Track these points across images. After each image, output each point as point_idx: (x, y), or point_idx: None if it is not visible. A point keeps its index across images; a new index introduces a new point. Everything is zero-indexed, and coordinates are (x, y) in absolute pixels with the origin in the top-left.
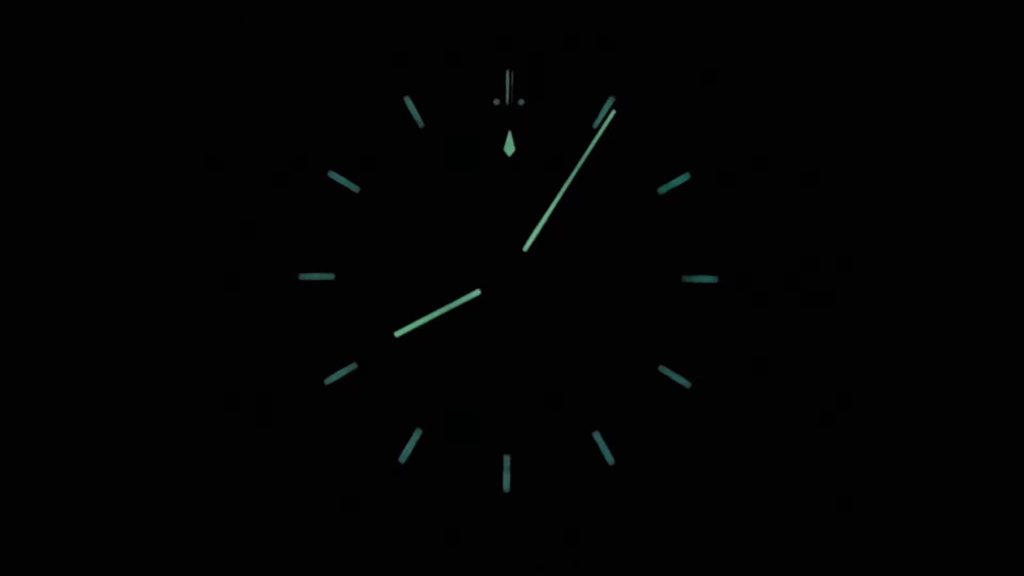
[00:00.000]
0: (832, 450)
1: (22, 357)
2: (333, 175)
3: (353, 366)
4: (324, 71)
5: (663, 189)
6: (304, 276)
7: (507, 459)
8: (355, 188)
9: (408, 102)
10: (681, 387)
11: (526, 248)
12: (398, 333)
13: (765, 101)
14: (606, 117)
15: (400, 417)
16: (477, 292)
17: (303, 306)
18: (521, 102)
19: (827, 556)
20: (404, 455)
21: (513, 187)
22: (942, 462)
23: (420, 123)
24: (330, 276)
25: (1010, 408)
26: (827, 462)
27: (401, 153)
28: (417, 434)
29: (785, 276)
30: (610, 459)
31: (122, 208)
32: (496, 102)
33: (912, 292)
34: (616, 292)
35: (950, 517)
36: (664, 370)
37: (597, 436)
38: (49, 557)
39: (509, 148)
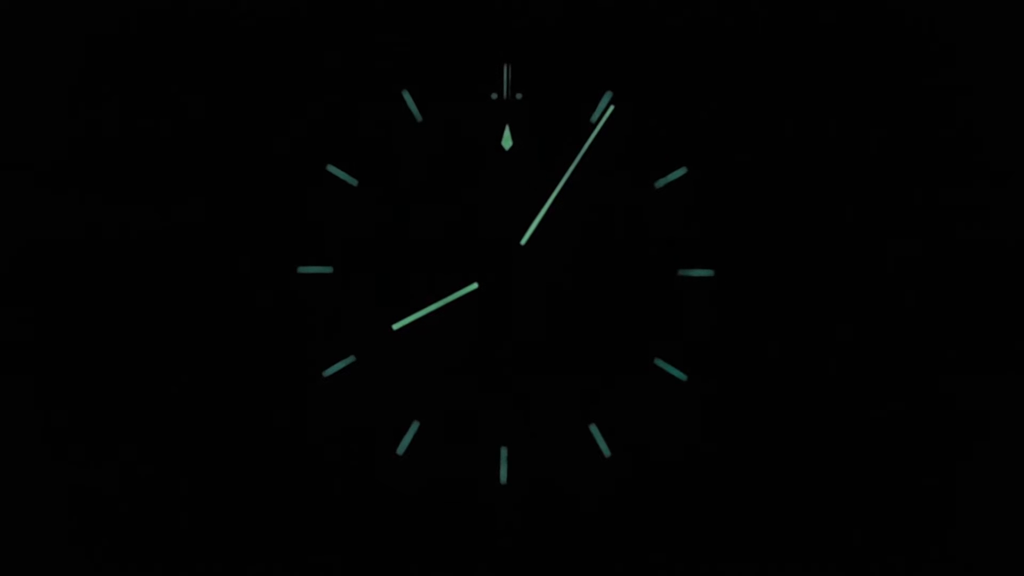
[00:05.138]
0: (828, 444)
1: (21, 352)
2: (331, 168)
3: (351, 359)
4: (322, 65)
5: (660, 183)
6: (303, 269)
7: (504, 451)
8: (353, 181)
9: (406, 96)
10: (677, 380)
11: (523, 242)
12: (396, 326)
13: (762, 96)
14: (604, 111)
15: (398, 409)
16: (475, 285)
17: (301, 299)
18: (519, 96)
19: (822, 549)
20: (402, 447)
21: (511, 181)
22: (938, 458)
23: (418, 117)
24: (328, 269)
25: (1006, 408)
26: (823, 456)
27: (399, 147)
28: (415, 426)
29: (781, 270)
30: (606, 451)
31: (121, 203)
32: (494, 96)
33: (909, 288)
34: (613, 286)
35: (947, 513)
36: (660, 363)
37: (594, 429)
38: (49, 556)
39: (507, 142)
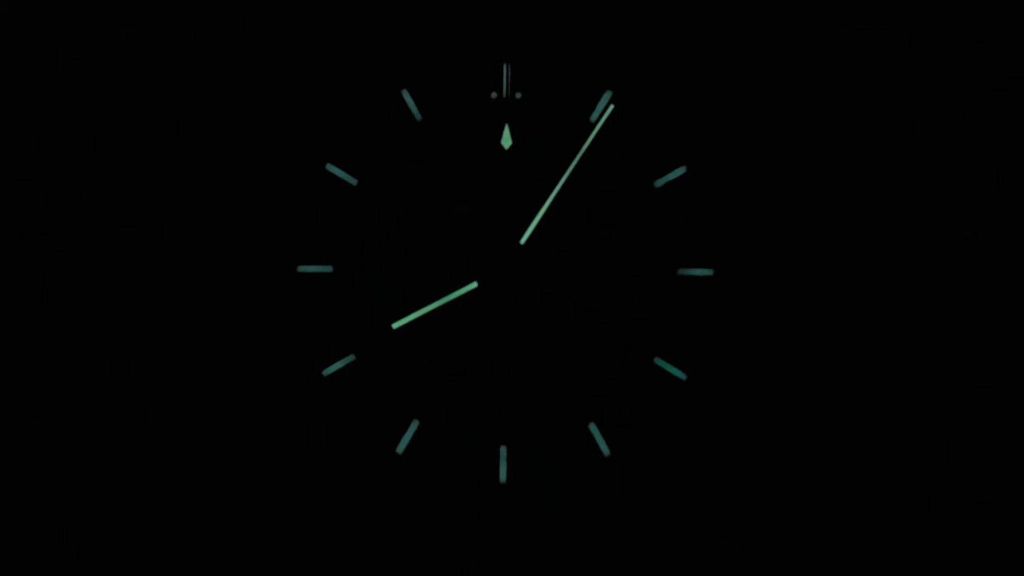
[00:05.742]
0: (827, 443)
1: (22, 352)
2: (331, 168)
3: (351, 358)
4: (322, 64)
5: (659, 183)
6: (303, 268)
7: (503, 450)
8: (353, 181)
9: (406, 95)
10: (676, 379)
11: (523, 241)
12: (395, 325)
13: (761, 96)
14: (603, 111)
15: (398, 408)
16: (474, 284)
17: (302, 298)
18: (518, 95)
19: (822, 549)
20: (401, 446)
21: (510, 180)
22: (939, 457)
23: (418, 116)
24: (328, 268)
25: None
26: (822, 455)
27: (399, 146)
28: (414, 425)
29: (781, 269)
30: (606, 450)
31: (121, 203)
32: (494, 95)
33: (907, 288)
34: (612, 285)
35: (947, 513)
36: (660, 362)
37: (593, 428)
38: (48, 555)
39: (507, 141)
